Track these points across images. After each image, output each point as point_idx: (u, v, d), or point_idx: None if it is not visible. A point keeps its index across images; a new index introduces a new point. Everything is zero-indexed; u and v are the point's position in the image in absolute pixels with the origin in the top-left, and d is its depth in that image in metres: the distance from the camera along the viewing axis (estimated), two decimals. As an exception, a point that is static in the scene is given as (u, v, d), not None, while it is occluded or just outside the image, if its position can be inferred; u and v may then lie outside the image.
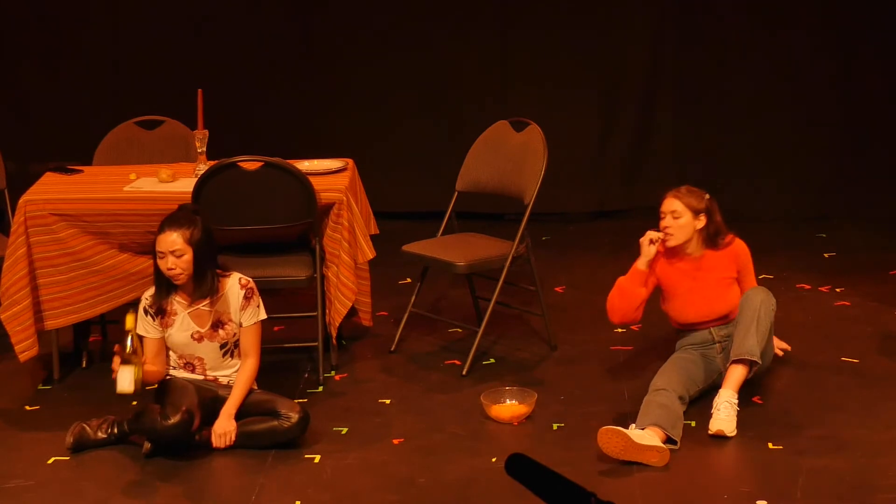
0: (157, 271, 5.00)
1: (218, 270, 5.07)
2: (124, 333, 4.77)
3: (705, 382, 5.24)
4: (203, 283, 4.99)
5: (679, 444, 4.88)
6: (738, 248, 5.39)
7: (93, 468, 4.89)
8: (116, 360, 4.79)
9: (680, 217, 5.28)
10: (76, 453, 4.98)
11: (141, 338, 4.94)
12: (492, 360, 5.83)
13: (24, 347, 5.47)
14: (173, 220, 4.96)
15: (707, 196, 5.33)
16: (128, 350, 4.75)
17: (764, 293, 5.19)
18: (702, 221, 5.30)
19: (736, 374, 5.11)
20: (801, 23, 7.88)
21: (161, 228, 4.95)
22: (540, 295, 5.91)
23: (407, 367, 5.81)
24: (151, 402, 5.00)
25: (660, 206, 5.34)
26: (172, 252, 4.91)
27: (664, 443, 4.83)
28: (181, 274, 4.94)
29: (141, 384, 4.78)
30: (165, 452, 4.92)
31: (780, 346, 5.65)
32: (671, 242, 5.32)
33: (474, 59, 7.96)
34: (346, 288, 5.53)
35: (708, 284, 5.35)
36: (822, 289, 6.66)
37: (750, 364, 5.12)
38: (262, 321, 5.11)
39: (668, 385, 5.05)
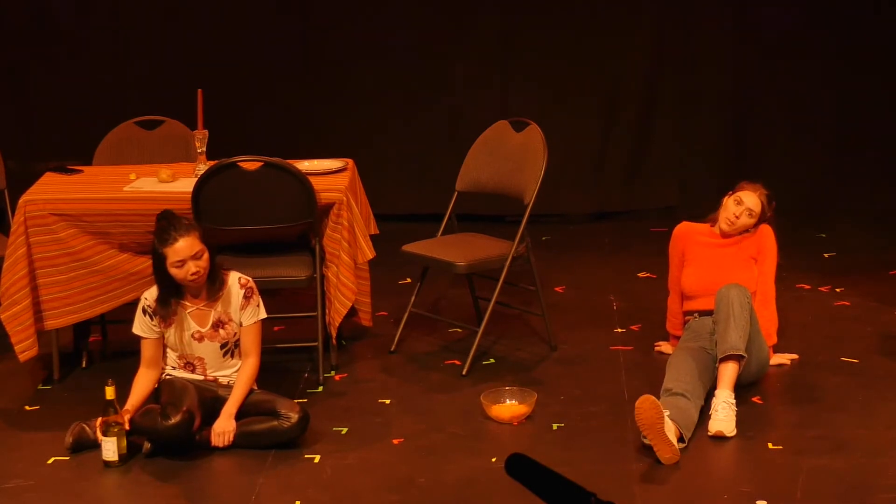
0: (164, 281, 4.97)
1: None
2: (105, 404, 4.82)
3: (711, 380, 5.23)
4: (216, 280, 5.00)
5: (686, 444, 4.89)
6: (763, 231, 5.62)
7: (93, 468, 4.88)
8: (99, 431, 4.90)
9: (753, 218, 5.58)
10: (76, 453, 4.98)
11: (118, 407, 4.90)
12: (492, 360, 5.83)
13: (24, 347, 5.47)
14: (177, 227, 4.91)
15: (774, 205, 5.66)
16: (109, 421, 4.83)
17: (736, 288, 5.23)
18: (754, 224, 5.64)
19: (728, 373, 5.12)
20: (798, 22, 7.88)
21: (170, 239, 4.88)
22: (540, 295, 5.91)
23: (407, 367, 5.81)
24: (152, 403, 5.01)
25: (736, 190, 5.62)
26: (194, 255, 4.89)
27: (677, 441, 4.84)
28: (203, 275, 4.94)
29: (126, 453, 4.87)
30: (165, 452, 4.92)
31: (788, 357, 5.69)
32: (729, 230, 5.60)
33: (474, 59, 7.96)
34: (346, 288, 5.53)
35: (726, 257, 5.56)
36: (822, 289, 6.67)
37: (738, 359, 5.13)
38: (262, 321, 5.11)
39: (686, 391, 5.03)
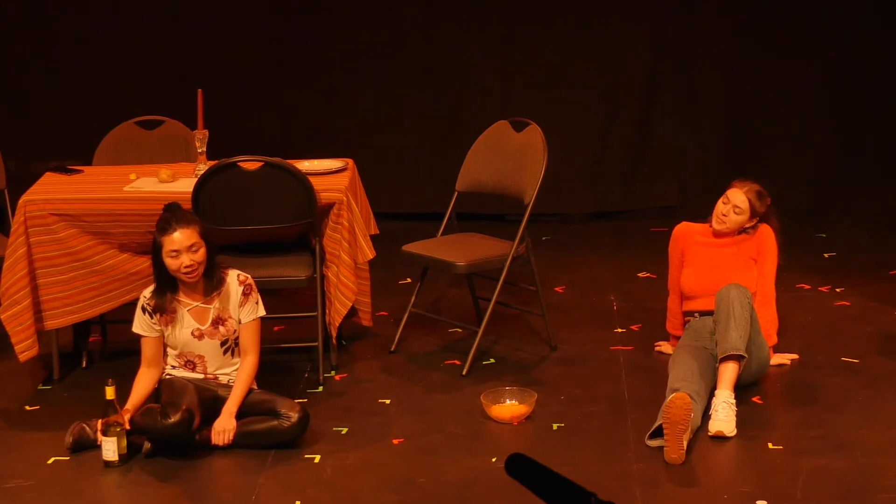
0: (161, 273, 4.98)
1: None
2: (105, 404, 4.82)
3: (713, 380, 5.23)
4: (213, 276, 5.01)
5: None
6: (763, 232, 5.60)
7: (93, 468, 4.88)
8: (99, 432, 4.90)
9: (741, 214, 5.55)
10: (76, 453, 4.98)
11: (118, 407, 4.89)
12: (492, 360, 5.83)
13: (24, 347, 5.47)
14: (178, 218, 4.94)
15: (769, 202, 5.59)
16: (109, 421, 4.84)
17: (736, 288, 5.23)
18: (752, 222, 5.57)
19: (728, 373, 5.12)
20: (798, 23, 7.88)
21: (169, 228, 4.91)
22: (540, 295, 5.91)
23: (407, 367, 5.81)
24: (152, 402, 5.01)
25: (726, 190, 5.60)
26: (190, 247, 4.90)
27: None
28: (198, 269, 4.94)
29: (126, 453, 4.88)
30: (165, 452, 4.92)
31: (788, 357, 5.69)
32: (719, 228, 5.59)
33: (474, 59, 7.96)
34: (346, 288, 5.53)
35: (725, 257, 5.55)
36: (822, 289, 6.67)
37: (738, 359, 5.13)
38: (262, 319, 5.11)
39: (693, 391, 5.01)
